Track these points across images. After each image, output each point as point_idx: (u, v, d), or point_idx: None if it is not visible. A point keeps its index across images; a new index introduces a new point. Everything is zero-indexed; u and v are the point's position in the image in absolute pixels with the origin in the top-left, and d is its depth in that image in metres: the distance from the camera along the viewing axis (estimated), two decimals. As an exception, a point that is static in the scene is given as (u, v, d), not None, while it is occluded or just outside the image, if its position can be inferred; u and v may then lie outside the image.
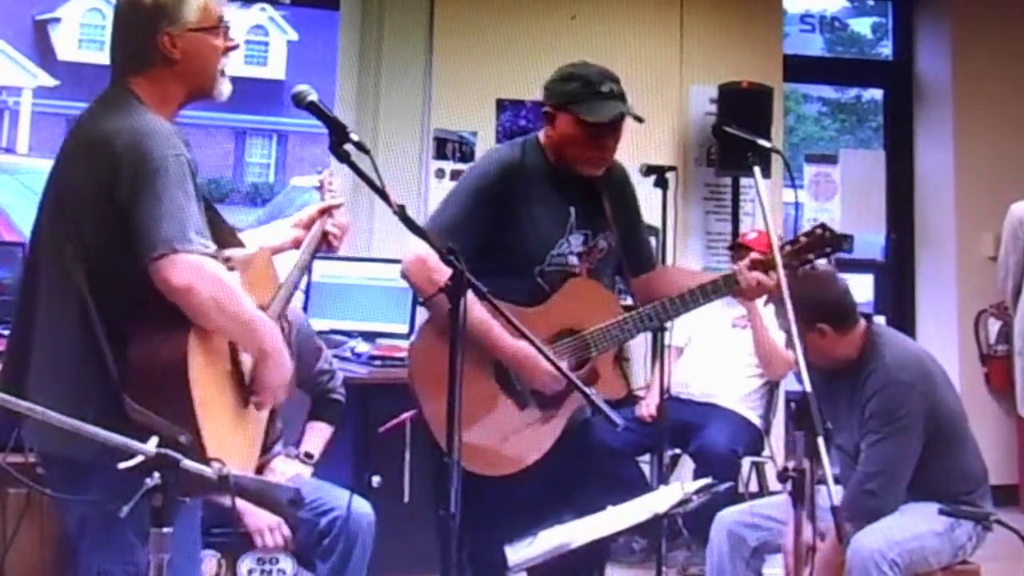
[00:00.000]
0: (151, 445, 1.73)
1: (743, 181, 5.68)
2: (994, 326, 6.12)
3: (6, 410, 1.76)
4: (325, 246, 2.59)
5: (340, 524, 3.17)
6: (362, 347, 4.50)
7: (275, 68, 5.41)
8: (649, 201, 3.37)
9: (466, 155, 5.42)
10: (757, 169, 2.73)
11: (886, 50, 6.84)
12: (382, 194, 2.18)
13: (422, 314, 3.45)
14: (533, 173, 2.89)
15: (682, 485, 2.76)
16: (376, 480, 3.39)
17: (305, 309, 4.52)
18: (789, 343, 2.52)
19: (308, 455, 3.44)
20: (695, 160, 5.85)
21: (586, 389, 2.39)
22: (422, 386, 2.79)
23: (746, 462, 4.68)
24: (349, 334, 4.62)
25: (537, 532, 2.56)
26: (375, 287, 4.73)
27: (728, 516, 3.42)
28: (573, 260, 2.91)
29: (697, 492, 2.71)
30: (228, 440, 2.13)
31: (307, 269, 2.61)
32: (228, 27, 2.27)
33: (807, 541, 2.61)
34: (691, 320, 4.66)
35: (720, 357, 4.78)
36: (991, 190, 6.00)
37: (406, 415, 3.19)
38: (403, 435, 3.46)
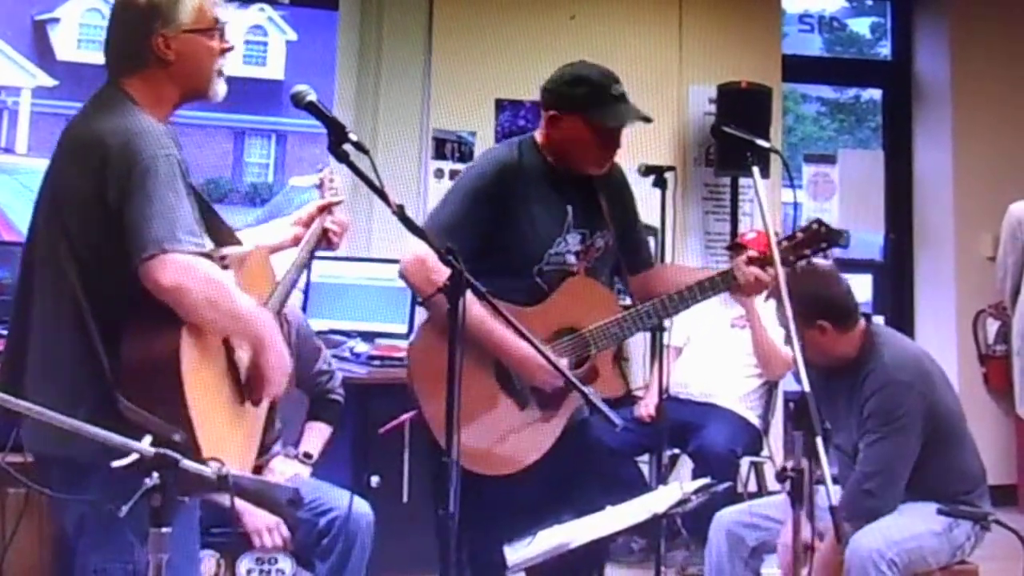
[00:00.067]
0: (149, 445, 1.73)
1: (742, 181, 5.68)
2: (993, 326, 6.13)
3: (5, 410, 1.76)
4: (325, 244, 2.59)
5: (339, 524, 3.17)
6: (361, 347, 4.51)
7: (274, 68, 5.41)
8: (648, 201, 3.37)
9: (465, 155, 5.42)
10: (756, 169, 2.73)
11: (885, 50, 6.84)
12: (381, 194, 2.18)
13: (421, 314, 3.45)
14: (530, 173, 2.89)
15: (681, 485, 2.76)
16: (375, 480, 3.39)
17: (304, 309, 4.52)
18: (789, 339, 2.51)
19: (307, 455, 3.44)
20: (694, 160, 5.86)
21: (585, 389, 2.39)
22: (422, 386, 2.79)
23: (745, 462, 4.68)
24: (348, 334, 4.62)
25: (536, 532, 2.56)
26: (374, 287, 4.73)
27: (727, 516, 3.42)
28: (571, 259, 2.91)
29: (696, 492, 2.71)
30: (224, 438, 2.13)
31: (306, 267, 2.61)
32: (223, 29, 2.27)
33: (806, 541, 2.62)
34: (690, 320, 4.67)
35: (719, 357, 4.78)
36: (990, 190, 6.01)
37: (406, 416, 3.20)
38: (402, 435, 3.46)
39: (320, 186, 2.68)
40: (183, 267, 2.03)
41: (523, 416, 2.85)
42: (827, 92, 7.22)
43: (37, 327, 2.16)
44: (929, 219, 6.47)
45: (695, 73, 5.84)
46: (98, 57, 2.28)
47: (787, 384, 4.89)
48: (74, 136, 2.18)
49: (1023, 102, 6.31)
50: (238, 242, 2.36)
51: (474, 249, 2.64)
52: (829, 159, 6.52)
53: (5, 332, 2.27)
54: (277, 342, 2.24)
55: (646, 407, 4.68)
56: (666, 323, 3.26)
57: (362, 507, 3.23)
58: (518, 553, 2.54)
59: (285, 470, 3.33)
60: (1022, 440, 5.93)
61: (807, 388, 2.35)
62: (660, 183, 3.54)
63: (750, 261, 2.88)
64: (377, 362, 4.34)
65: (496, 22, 5.55)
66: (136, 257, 2.02)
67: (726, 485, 2.93)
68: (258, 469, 3.19)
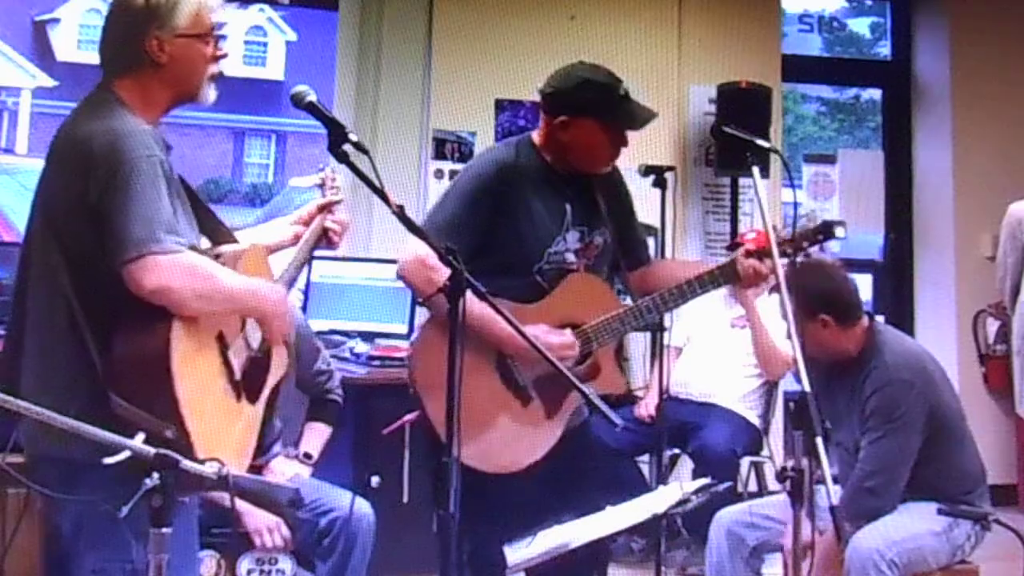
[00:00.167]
0: (143, 443, 1.73)
1: (742, 181, 5.68)
2: (992, 326, 6.13)
3: (5, 411, 1.76)
4: (325, 243, 2.60)
5: (340, 524, 3.17)
6: (361, 347, 4.50)
7: (274, 68, 5.41)
8: (648, 201, 3.37)
9: (465, 155, 5.42)
10: (756, 169, 2.73)
11: (884, 50, 6.84)
12: (381, 194, 2.18)
13: (421, 314, 3.45)
14: (528, 172, 2.90)
15: (681, 485, 2.76)
16: (375, 480, 3.39)
17: (304, 309, 4.52)
18: (790, 334, 2.51)
19: (307, 455, 3.44)
20: (694, 160, 5.85)
21: (584, 389, 2.39)
22: (424, 386, 2.79)
23: (745, 462, 4.68)
24: (348, 334, 4.62)
25: (536, 532, 2.56)
26: (374, 287, 4.73)
27: (727, 516, 3.42)
28: (570, 257, 2.91)
29: (696, 492, 2.71)
30: (217, 433, 2.13)
31: (306, 265, 2.61)
32: (219, 36, 2.28)
33: (806, 540, 2.62)
34: (690, 320, 4.68)
35: (719, 357, 4.78)
36: (990, 190, 6.00)
37: (409, 416, 3.19)
38: (402, 436, 3.46)
39: (322, 186, 2.69)
40: (165, 267, 2.04)
41: (526, 414, 2.84)
42: (827, 92, 7.22)
43: (32, 328, 2.17)
44: (929, 219, 6.47)
45: (695, 73, 5.84)
46: (98, 58, 2.29)
47: (787, 384, 4.88)
48: (63, 138, 2.19)
49: (1023, 102, 6.31)
50: (236, 242, 2.36)
51: (473, 249, 2.64)
52: (829, 159, 6.52)
53: (4, 332, 2.27)
54: (278, 310, 2.31)
55: (646, 407, 4.68)
56: (666, 323, 3.26)
57: (363, 507, 3.23)
58: (518, 553, 2.54)
59: (285, 470, 3.33)
60: (1022, 440, 5.92)
61: (807, 388, 2.35)
62: (660, 183, 3.54)
63: (748, 253, 2.89)
64: (377, 362, 4.34)
65: (496, 22, 5.55)
66: (118, 260, 2.03)
67: (726, 485, 2.93)
68: (258, 469, 3.19)
